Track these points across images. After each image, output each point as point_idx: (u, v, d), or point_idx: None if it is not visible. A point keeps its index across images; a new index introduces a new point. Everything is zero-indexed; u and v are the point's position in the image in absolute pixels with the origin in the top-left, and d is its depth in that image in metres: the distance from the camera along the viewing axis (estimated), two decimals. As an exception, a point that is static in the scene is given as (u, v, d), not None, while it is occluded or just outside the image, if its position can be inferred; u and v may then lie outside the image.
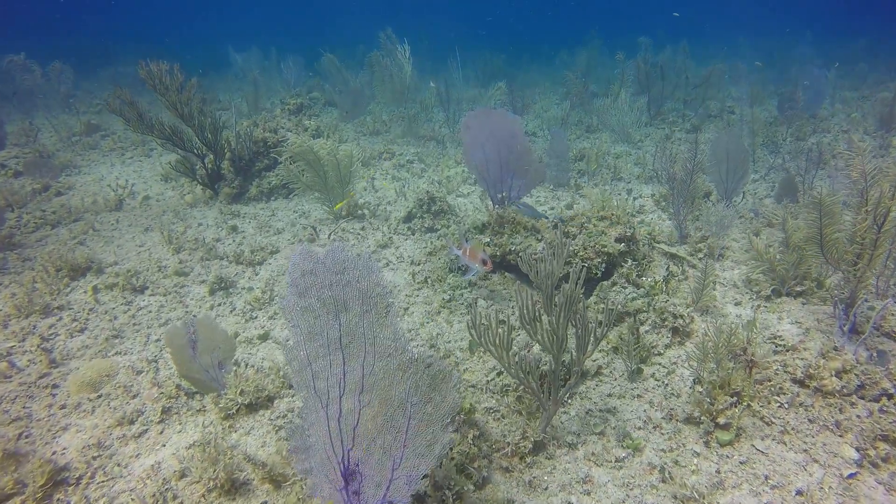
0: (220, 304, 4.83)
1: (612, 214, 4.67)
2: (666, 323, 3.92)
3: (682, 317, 3.90)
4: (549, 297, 2.82)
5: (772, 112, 12.17)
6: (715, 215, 5.23)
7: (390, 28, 12.69)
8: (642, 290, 4.25)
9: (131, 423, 3.28)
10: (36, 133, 9.79)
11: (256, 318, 4.59)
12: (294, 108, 10.48)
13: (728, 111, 12.43)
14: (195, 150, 7.07)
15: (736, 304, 4.43)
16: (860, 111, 12.01)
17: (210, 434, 3.16)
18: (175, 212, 6.89)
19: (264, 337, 4.27)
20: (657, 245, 5.18)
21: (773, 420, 3.16)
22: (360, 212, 6.63)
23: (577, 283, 2.80)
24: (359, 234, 6.10)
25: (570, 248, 4.43)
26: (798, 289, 4.48)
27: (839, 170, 7.72)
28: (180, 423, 3.30)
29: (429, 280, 4.92)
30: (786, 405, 3.25)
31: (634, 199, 6.81)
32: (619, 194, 7.23)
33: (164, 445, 3.13)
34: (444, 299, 4.55)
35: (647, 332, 3.94)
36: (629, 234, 4.49)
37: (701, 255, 5.17)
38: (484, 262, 4.33)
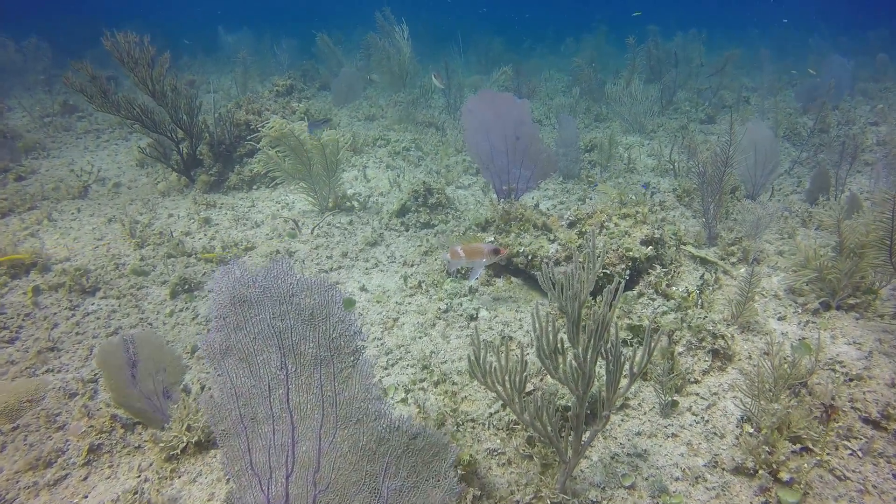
0: (181, 310, 4.19)
1: (637, 212, 4.02)
2: (704, 344, 3.29)
3: (723, 337, 3.27)
4: (575, 324, 2.20)
5: (790, 103, 11.48)
6: (751, 214, 4.59)
7: (388, 8, 11.97)
8: (672, 301, 3.61)
9: (47, 465, 2.65)
10: (1, 112, 9.07)
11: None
12: (283, 89, 9.77)
13: (744, 101, 11.75)
14: (168, 133, 6.39)
15: (780, 319, 3.80)
16: (885, 102, 11.33)
17: (145, 482, 2.53)
18: (144, 201, 6.22)
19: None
20: (684, 247, 4.54)
21: (847, 474, 2.54)
22: (348, 203, 5.97)
23: (611, 304, 2.17)
24: (346, 229, 5.44)
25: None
26: (851, 301, 3.85)
27: (877, 162, 7.08)
28: (111, 467, 2.67)
29: (423, 285, 4.29)
30: (859, 453, 2.64)
31: (653, 193, 6.16)
32: (635, 186, 6.58)
33: (86, 497, 2.50)
34: (439, 309, 3.92)
35: (680, 353, 3.32)
36: (657, 235, 3.84)
37: (734, 260, 4.54)
38: (496, 252, 3.71)
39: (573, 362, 2.23)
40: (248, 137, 6.05)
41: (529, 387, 2.99)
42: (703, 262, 4.42)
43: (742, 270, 4.42)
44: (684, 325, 3.41)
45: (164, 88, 6.13)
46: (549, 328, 2.22)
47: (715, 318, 3.38)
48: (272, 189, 6.70)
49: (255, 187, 6.80)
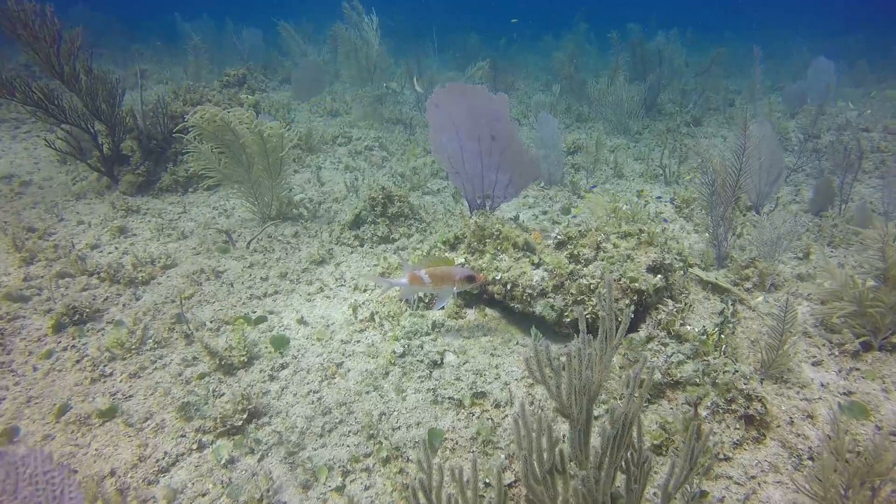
0: (64, 349, 3.25)
1: (640, 230, 3.26)
2: (734, 406, 2.54)
3: (758, 399, 2.52)
4: (583, 432, 1.41)
5: (778, 106, 11.00)
6: (767, 231, 3.88)
7: (357, -4, 11.08)
8: (687, 345, 2.85)
9: None
10: None
11: (111, 374, 3.04)
12: (234, 79, 8.78)
13: (728, 103, 11.23)
14: (83, 124, 5.39)
15: (815, 364, 3.09)
16: (871, 108, 10.96)
17: None
18: (50, 205, 5.21)
19: (109, 413, 2.73)
20: (690, 270, 3.81)
21: None
22: (296, 211, 5.08)
23: (640, 398, 1.37)
24: (289, 242, 4.56)
25: (585, 280, 3.00)
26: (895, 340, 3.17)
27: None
28: None
29: (377, 317, 3.44)
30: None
31: (646, 203, 5.44)
32: (624, 194, 5.85)
33: None
34: (395, 353, 3.08)
35: (704, 418, 2.56)
36: (666, 260, 3.08)
37: (748, 285, 3.82)
38: (470, 279, 2.92)
39: (580, 488, 1.42)
40: (174, 130, 5.10)
41: None
42: (716, 289, 3.69)
43: (760, 299, 3.71)
44: (707, 379, 2.66)
45: (75, 71, 5.13)
46: (543, 438, 1.41)
47: (745, 371, 2.63)
48: (211, 192, 5.76)
49: (191, 190, 5.84)
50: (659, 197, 5.23)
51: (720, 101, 11.00)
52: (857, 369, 3.02)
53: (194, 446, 2.54)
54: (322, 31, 16.89)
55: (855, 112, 10.51)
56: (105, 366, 3.08)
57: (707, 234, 4.51)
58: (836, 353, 3.17)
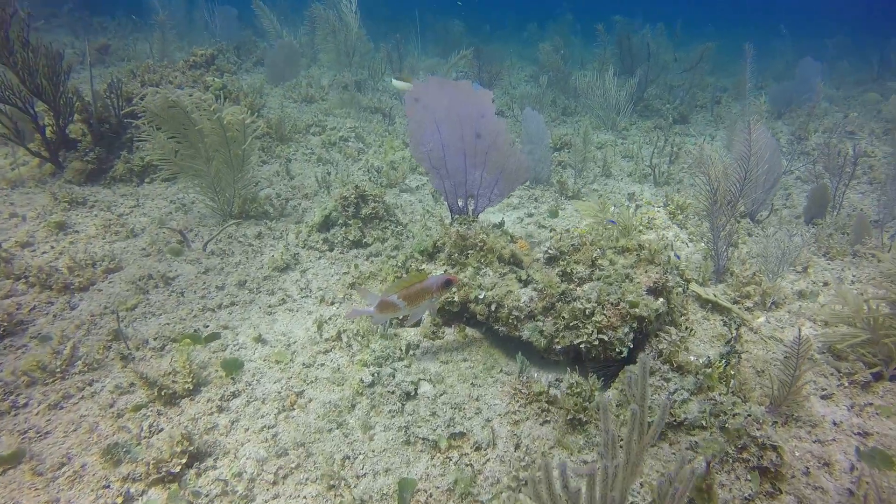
0: (-24, 371, 2.79)
1: (640, 245, 2.94)
2: (745, 455, 2.24)
3: (774, 448, 2.23)
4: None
5: (764, 107, 10.83)
6: (774, 244, 3.60)
7: (335, -26, 10.52)
8: (690, 378, 2.55)
9: None
10: None
11: (25, 405, 2.60)
12: (202, 60, 8.17)
13: (715, 101, 11.03)
14: (19, 104, 4.83)
15: (824, 398, 2.82)
16: (855, 110, 10.90)
17: None
18: (-20, 194, 4.66)
19: (13, 459, 2.29)
20: (689, 286, 3.52)
21: None
22: (261, 208, 4.64)
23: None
24: (251, 245, 4.12)
25: (579, 304, 2.66)
26: (907, 371, 2.93)
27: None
28: None
29: (344, 336, 3.06)
30: None
31: (637, 205, 5.14)
32: (613, 195, 5.54)
33: None
34: (362, 382, 2.70)
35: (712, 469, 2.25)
36: (669, 282, 2.76)
37: (749, 304, 3.55)
38: (446, 284, 2.58)
39: None
40: (122, 112, 4.58)
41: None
42: (717, 308, 3.41)
43: (761, 319, 3.44)
44: (714, 421, 2.36)
45: (8, 42, 4.56)
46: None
47: (757, 414, 2.33)
48: (171, 184, 5.25)
49: (147, 180, 5.33)
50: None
51: (707, 98, 10.79)
52: (871, 404, 2.76)
53: (119, 500, 2.14)
54: (299, 12, 16.17)
55: (840, 114, 10.42)
56: (19, 394, 2.63)
57: (703, 245, 4.24)
58: (846, 384, 2.91)
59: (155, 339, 3.07)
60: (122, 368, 2.85)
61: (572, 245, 2.94)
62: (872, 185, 6.45)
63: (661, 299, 2.69)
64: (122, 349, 2.93)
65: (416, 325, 3.11)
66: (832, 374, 2.99)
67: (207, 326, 3.25)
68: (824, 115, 10.39)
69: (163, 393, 2.61)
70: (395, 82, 6.14)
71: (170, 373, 2.75)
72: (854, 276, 4.16)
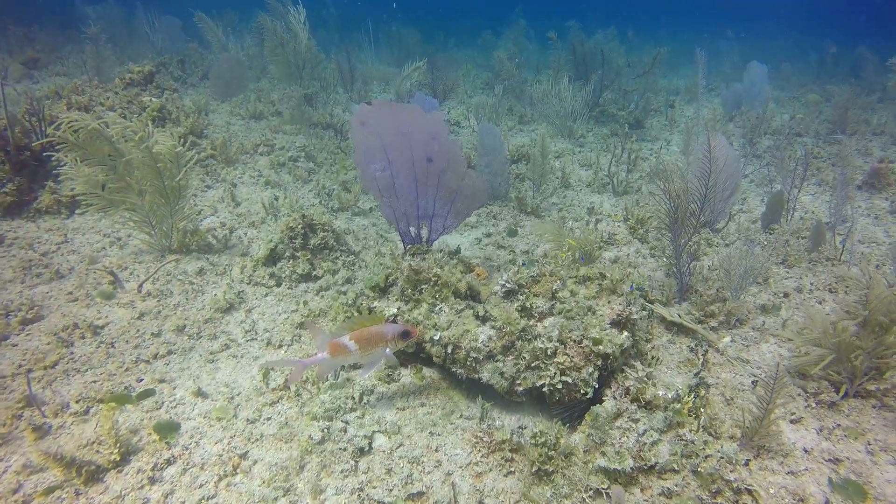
0: None
1: (601, 274, 2.81)
2: (718, 500, 2.12)
3: (746, 491, 2.11)
4: None
5: (717, 110, 11.08)
6: (737, 259, 3.55)
7: (282, -16, 10.22)
8: (659, 415, 2.42)
9: None
10: None
11: (-77, 494, 2.25)
12: (140, 77, 7.72)
13: (669, 105, 11.22)
14: (-75, 136, 4.38)
15: (793, 422, 2.75)
16: (800, 112, 11.26)
17: None
18: None
19: None
20: (653, 308, 3.42)
21: None
22: (204, 241, 4.33)
23: None
24: (192, 283, 3.82)
25: (540, 343, 2.51)
26: (871, 387, 2.91)
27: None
28: None
29: (293, 385, 2.82)
30: None
31: (597, 220, 5.06)
32: (572, 210, 5.45)
33: None
34: (311, 438, 2.47)
35: (685, 517, 2.13)
36: (633, 314, 2.64)
37: (714, 323, 3.48)
38: (405, 335, 2.38)
39: None
40: (33, 144, 4.18)
41: None
42: (682, 330, 3.32)
43: (726, 339, 3.37)
44: (686, 463, 2.23)
45: None
46: None
47: (730, 453, 2.22)
48: (104, 215, 4.86)
49: (78, 212, 4.92)
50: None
51: (660, 102, 10.95)
52: (839, 426, 2.71)
53: None
54: (246, 22, 15.69)
55: (787, 116, 10.74)
56: (-88, 482, 2.29)
57: (665, 261, 4.17)
58: (814, 405, 2.86)
59: (77, 402, 2.76)
60: (35, 440, 2.53)
61: (531, 277, 2.79)
62: (822, 187, 6.59)
63: (626, 333, 2.56)
64: (33, 419, 2.61)
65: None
66: (799, 395, 2.93)
67: (141, 381, 2.95)
68: (772, 118, 10.68)
69: (83, 470, 2.31)
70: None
71: (93, 442, 2.45)
72: (812, 283, 4.17)
